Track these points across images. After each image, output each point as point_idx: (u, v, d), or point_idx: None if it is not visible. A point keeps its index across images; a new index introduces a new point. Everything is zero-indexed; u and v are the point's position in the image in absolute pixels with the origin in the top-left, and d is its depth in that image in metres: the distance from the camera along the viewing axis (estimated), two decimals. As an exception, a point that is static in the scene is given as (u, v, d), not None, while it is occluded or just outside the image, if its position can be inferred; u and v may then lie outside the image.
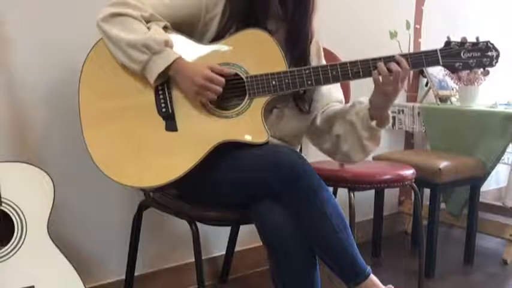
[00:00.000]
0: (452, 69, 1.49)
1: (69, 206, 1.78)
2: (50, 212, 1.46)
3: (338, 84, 1.69)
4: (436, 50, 1.48)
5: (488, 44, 1.48)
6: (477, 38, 1.49)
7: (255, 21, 1.50)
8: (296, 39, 1.56)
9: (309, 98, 1.62)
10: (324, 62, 1.67)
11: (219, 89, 1.43)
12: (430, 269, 2.33)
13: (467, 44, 1.48)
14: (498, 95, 2.89)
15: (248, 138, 1.46)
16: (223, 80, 1.44)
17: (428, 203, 2.38)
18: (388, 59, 1.46)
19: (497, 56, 1.48)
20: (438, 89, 2.85)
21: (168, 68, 1.44)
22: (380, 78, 1.46)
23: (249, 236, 2.23)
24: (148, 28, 1.46)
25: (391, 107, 1.54)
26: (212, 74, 1.43)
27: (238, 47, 1.49)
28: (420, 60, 1.47)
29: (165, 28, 1.49)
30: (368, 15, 2.71)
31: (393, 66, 1.45)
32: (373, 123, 1.54)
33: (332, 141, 1.63)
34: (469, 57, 1.48)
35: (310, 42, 1.60)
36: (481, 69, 1.51)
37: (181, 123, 1.47)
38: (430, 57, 1.48)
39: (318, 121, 1.65)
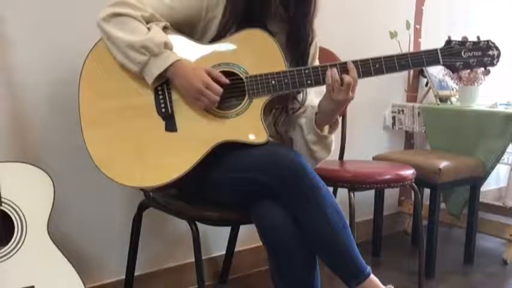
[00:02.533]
0: (453, 69, 1.49)
1: (69, 206, 1.78)
2: (50, 212, 1.46)
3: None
4: (436, 49, 1.48)
5: (489, 43, 1.48)
6: (478, 37, 1.49)
7: (256, 22, 1.50)
8: (297, 40, 1.56)
9: (303, 99, 1.61)
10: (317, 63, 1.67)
11: (217, 98, 1.43)
12: (430, 269, 2.33)
13: (468, 43, 1.48)
14: (498, 95, 2.89)
15: (248, 138, 1.46)
16: (221, 89, 1.43)
17: (428, 203, 2.38)
18: (343, 65, 1.46)
19: (498, 55, 1.48)
20: (438, 89, 2.85)
21: (166, 71, 1.43)
22: (332, 85, 1.45)
23: (249, 236, 2.23)
24: (149, 28, 1.46)
25: (338, 114, 1.53)
26: (210, 81, 1.43)
27: (238, 47, 1.49)
28: (420, 60, 1.47)
29: (165, 28, 1.49)
30: (368, 15, 2.71)
31: (345, 75, 1.44)
32: (325, 128, 1.53)
33: (288, 144, 1.63)
34: (469, 57, 1.48)
35: (311, 43, 1.60)
36: (482, 69, 1.50)
37: (181, 124, 1.47)
38: (430, 57, 1.47)
39: (279, 124, 1.66)
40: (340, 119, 2.20)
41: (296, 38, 1.56)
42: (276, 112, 1.64)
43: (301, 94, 1.61)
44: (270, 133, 1.53)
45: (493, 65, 1.48)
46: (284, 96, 1.55)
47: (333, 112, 1.51)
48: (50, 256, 1.45)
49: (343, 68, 1.46)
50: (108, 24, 1.45)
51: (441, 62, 1.48)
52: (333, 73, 1.44)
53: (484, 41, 1.48)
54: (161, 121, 1.47)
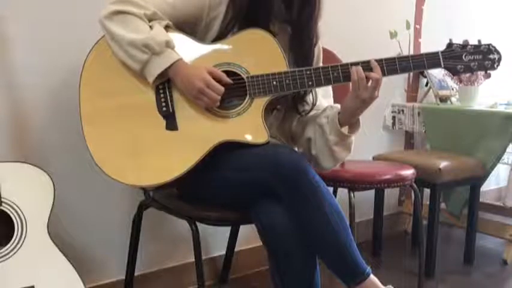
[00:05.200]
0: (454, 72, 1.49)
1: (69, 206, 1.78)
2: (50, 212, 1.46)
3: (331, 92, 1.69)
4: (437, 52, 1.48)
5: (490, 46, 1.48)
6: (479, 41, 1.49)
7: (258, 22, 1.49)
8: (301, 42, 1.56)
9: (310, 100, 1.61)
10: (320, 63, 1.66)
11: (218, 97, 1.43)
12: (430, 269, 2.33)
13: (469, 46, 1.48)
14: (498, 95, 2.89)
15: (248, 138, 1.46)
16: (222, 88, 1.43)
17: (428, 203, 2.38)
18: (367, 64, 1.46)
19: (499, 59, 1.48)
20: (438, 89, 2.85)
21: (167, 70, 1.43)
22: (357, 81, 1.45)
23: (249, 236, 2.22)
24: (151, 27, 1.46)
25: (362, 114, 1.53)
26: (212, 80, 1.42)
27: (240, 46, 1.49)
28: (422, 62, 1.47)
29: (167, 27, 1.49)
30: (368, 15, 2.71)
31: (373, 72, 1.44)
32: (343, 129, 1.52)
33: (304, 145, 1.62)
34: (470, 60, 1.48)
35: (315, 45, 1.60)
36: (483, 72, 1.50)
37: (181, 123, 1.47)
38: (431, 59, 1.47)
39: (294, 125, 1.65)
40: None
41: (299, 38, 1.56)
42: (287, 113, 1.64)
43: (311, 96, 1.61)
44: (271, 133, 1.53)
45: (493, 68, 1.48)
46: (285, 97, 1.55)
47: (356, 111, 1.51)
48: (50, 256, 1.45)
49: (367, 66, 1.46)
50: (111, 22, 1.45)
51: (442, 65, 1.48)
52: (358, 69, 1.44)
53: (485, 45, 1.48)
54: (162, 120, 1.47)
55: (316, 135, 1.57)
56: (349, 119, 1.52)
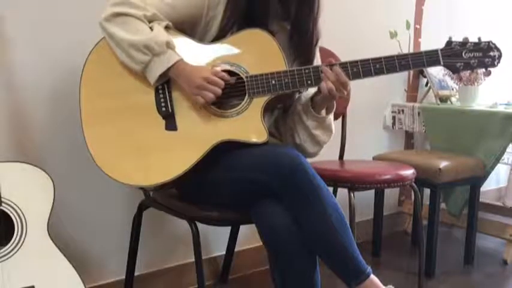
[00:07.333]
0: (454, 69, 1.49)
1: (69, 206, 1.78)
2: (50, 212, 1.46)
3: None
4: (437, 50, 1.48)
5: (490, 44, 1.48)
6: (479, 38, 1.49)
7: (256, 21, 1.50)
8: (300, 41, 1.56)
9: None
10: (319, 63, 1.67)
11: (218, 90, 1.43)
12: (430, 269, 2.33)
13: (469, 44, 1.48)
14: (498, 95, 2.89)
15: (247, 137, 1.46)
16: (222, 82, 1.44)
17: (428, 203, 2.38)
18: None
19: (499, 56, 1.48)
20: (438, 89, 2.85)
21: (168, 70, 1.44)
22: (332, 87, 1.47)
23: (249, 236, 2.23)
24: (151, 28, 1.46)
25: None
26: (212, 76, 1.43)
27: (239, 46, 1.49)
28: (421, 60, 1.47)
29: (166, 28, 1.49)
30: (368, 15, 2.71)
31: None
32: (320, 113, 1.55)
33: (288, 136, 1.64)
34: (470, 57, 1.48)
35: (316, 44, 1.60)
36: (483, 70, 1.50)
37: (181, 123, 1.47)
38: (431, 57, 1.47)
39: (279, 121, 1.67)
40: (340, 118, 2.21)
41: (299, 37, 1.56)
42: (277, 112, 1.64)
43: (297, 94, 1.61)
44: (270, 133, 1.53)
45: (493, 65, 1.48)
46: (285, 96, 1.55)
47: (330, 103, 1.55)
48: (50, 256, 1.45)
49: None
50: (111, 24, 1.46)
51: (442, 63, 1.47)
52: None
53: (485, 42, 1.48)
54: (161, 120, 1.47)
55: (296, 124, 1.59)
56: (322, 107, 1.55)
